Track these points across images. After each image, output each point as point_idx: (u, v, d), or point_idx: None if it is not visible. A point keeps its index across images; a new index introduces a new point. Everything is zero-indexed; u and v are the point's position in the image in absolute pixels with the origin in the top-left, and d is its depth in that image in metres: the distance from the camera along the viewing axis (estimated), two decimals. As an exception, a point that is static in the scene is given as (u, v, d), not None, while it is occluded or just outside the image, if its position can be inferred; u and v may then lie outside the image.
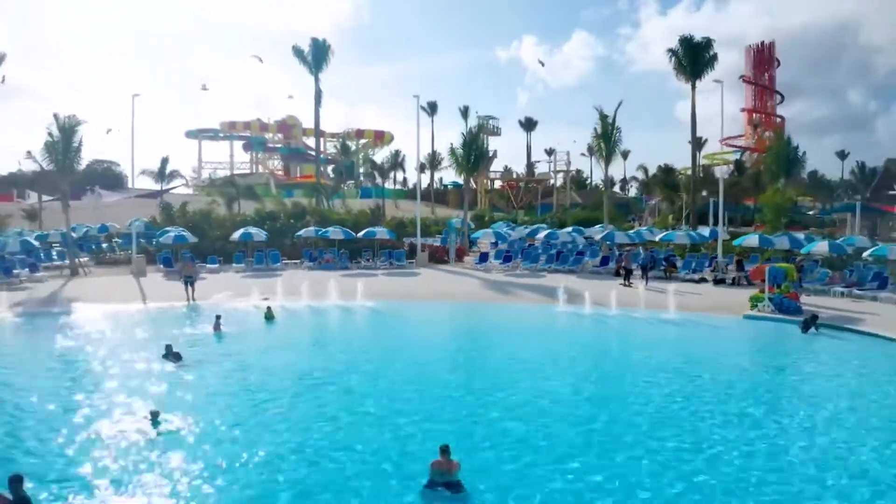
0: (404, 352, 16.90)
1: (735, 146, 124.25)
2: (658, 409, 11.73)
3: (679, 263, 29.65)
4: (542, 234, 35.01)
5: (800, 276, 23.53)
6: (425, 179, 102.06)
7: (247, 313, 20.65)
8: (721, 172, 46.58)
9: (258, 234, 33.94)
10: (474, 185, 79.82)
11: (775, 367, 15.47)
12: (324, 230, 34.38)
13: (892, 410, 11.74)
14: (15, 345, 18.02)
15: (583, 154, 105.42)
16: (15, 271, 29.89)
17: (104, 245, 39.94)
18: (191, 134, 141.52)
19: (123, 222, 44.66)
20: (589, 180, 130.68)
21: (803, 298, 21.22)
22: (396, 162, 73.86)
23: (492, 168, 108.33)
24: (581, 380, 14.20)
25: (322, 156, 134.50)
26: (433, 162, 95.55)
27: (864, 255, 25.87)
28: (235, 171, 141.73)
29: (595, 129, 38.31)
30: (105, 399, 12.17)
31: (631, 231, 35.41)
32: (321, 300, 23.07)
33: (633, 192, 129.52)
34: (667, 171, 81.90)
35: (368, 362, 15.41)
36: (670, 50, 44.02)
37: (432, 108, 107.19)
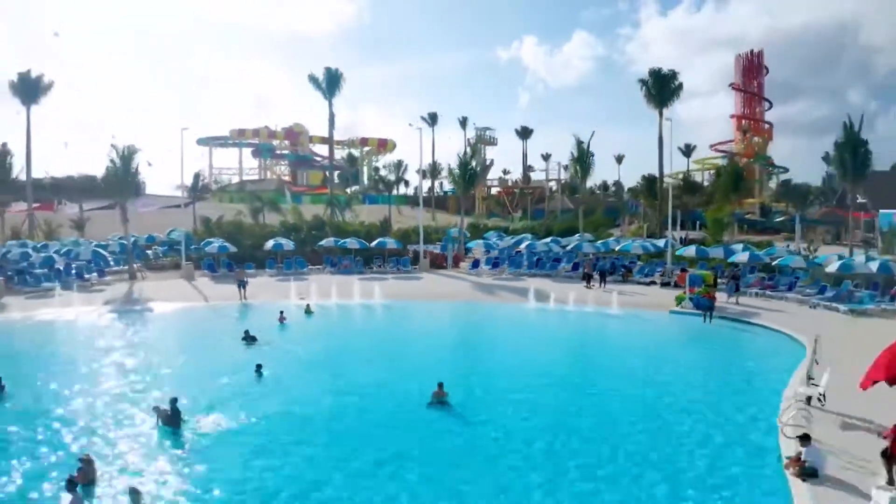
0: (410, 336, 23.48)
1: (724, 151, 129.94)
2: (568, 368, 18.27)
3: (635, 269, 36.01)
4: (524, 245, 41.42)
5: (737, 281, 29.72)
6: (426, 183, 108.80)
7: (291, 309, 26.99)
8: (670, 184, 52.17)
9: (287, 244, 40.38)
10: (472, 191, 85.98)
11: (668, 343, 22.06)
12: (342, 241, 40.82)
13: (731, 376, 18.01)
14: (133, 334, 24.28)
15: (565, 167, 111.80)
16: (86, 276, 36.27)
17: (149, 252, 46.22)
18: (202, 141, 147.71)
19: (154, 231, 50.66)
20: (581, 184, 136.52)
21: (741, 299, 27.68)
22: (399, 174, 79.99)
23: (489, 175, 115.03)
24: (521, 348, 21.07)
25: (329, 162, 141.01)
26: (434, 171, 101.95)
27: (775, 262, 32.18)
28: (245, 177, 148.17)
29: (572, 153, 44.68)
30: (220, 361, 18.69)
31: (598, 242, 41.63)
32: (346, 299, 29.57)
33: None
34: (650, 181, 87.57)
35: (385, 341, 22.01)
36: (641, 80, 50.31)
37: (433, 119, 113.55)
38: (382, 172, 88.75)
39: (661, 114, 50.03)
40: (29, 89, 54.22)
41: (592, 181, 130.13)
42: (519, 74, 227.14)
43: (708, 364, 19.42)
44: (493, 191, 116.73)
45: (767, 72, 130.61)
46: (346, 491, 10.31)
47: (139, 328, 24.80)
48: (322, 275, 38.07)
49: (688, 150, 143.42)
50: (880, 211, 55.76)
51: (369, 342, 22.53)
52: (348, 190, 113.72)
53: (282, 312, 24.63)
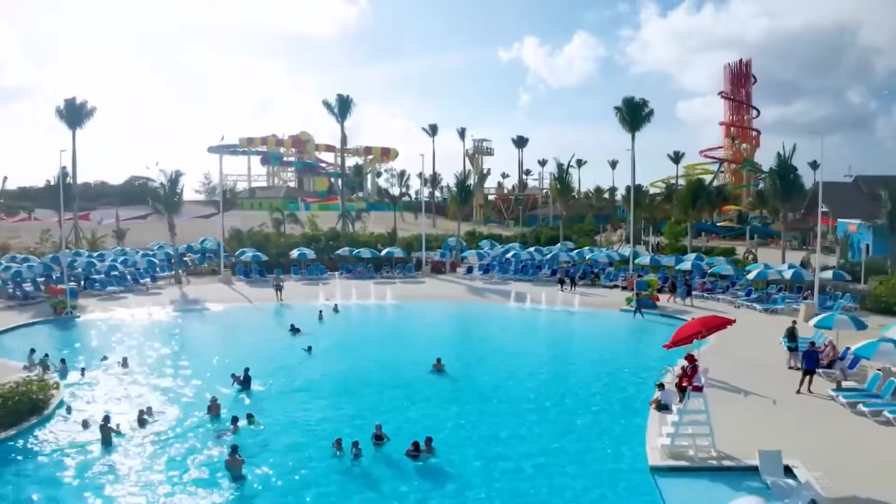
0: (415, 327, 30.58)
1: (713, 157, 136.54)
2: (524, 346, 25.36)
3: (602, 275, 42.94)
4: (511, 253, 48.38)
5: (689, 286, 36.54)
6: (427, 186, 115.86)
7: (321, 308, 33.91)
8: (653, 195, 58.88)
9: (309, 253, 47.37)
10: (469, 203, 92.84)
11: (606, 331, 29.28)
12: (357, 251, 47.83)
13: (640, 352, 24.92)
14: (204, 327, 31.21)
15: (551, 175, 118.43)
16: (142, 280, 43.24)
17: (186, 260, 53.08)
18: (213, 149, 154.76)
19: (183, 239, 57.24)
20: (577, 189, 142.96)
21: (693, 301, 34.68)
22: (402, 185, 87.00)
23: (486, 183, 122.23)
24: (495, 336, 28.29)
25: (333, 169, 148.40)
26: (434, 180, 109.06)
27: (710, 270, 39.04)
28: (253, 184, 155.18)
29: (552, 174, 51.64)
30: (276, 346, 25.76)
31: (574, 251, 48.53)
32: (363, 300, 36.67)
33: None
34: (635, 191, 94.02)
35: (397, 331, 29.11)
36: (616, 107, 57.11)
37: (433, 129, 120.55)
38: (384, 184, 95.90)
39: (633, 137, 56.87)
40: (74, 115, 61.08)
41: (588, 185, 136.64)
42: (520, 75, 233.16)
43: (626, 344, 26.43)
44: (490, 197, 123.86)
45: (755, 80, 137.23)
46: (373, 420, 16.71)
47: (207, 323, 31.88)
48: (340, 280, 45.04)
49: (676, 158, 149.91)
50: (838, 220, 62.39)
51: (385, 332, 29.91)
52: (354, 196, 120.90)
53: (321, 312, 31.79)
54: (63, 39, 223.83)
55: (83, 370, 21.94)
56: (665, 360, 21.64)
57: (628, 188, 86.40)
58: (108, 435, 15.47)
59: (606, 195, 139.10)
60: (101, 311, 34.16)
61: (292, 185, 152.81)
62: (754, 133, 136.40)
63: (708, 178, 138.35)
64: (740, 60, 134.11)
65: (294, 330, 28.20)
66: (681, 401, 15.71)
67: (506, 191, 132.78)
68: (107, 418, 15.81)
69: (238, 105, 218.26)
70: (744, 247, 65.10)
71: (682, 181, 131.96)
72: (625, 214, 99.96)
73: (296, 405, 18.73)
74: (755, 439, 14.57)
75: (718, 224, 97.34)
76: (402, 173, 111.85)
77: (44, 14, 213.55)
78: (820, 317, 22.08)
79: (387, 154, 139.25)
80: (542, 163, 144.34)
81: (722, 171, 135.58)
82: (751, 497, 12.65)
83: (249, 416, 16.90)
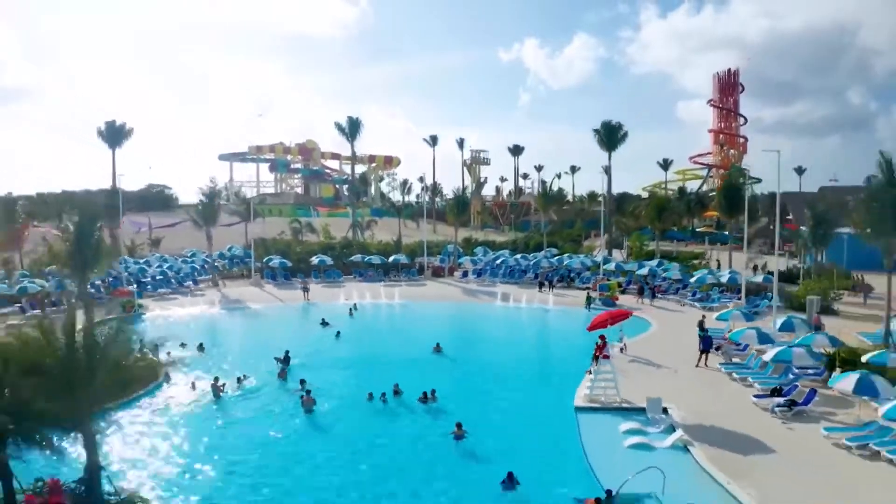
0: (419, 321, 38.19)
1: (702, 163, 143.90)
2: (498, 332, 33.05)
3: (577, 278, 50.50)
4: (500, 259, 56.01)
5: (653, 287, 44.01)
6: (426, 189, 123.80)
7: (340, 307, 41.47)
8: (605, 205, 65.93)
9: (327, 259, 55.00)
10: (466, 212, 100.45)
11: (567, 322, 36.74)
12: (368, 257, 55.48)
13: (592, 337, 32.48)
14: (252, 322, 38.77)
15: (552, 178, 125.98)
16: (185, 284, 50.82)
17: (217, 265, 60.61)
18: (224, 157, 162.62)
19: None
20: (570, 194, 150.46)
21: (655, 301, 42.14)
22: (404, 194, 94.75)
23: (486, 184, 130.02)
24: (480, 328, 35.74)
25: (338, 176, 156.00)
26: (434, 189, 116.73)
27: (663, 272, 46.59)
28: (262, 190, 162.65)
29: (538, 190, 59.07)
30: (310, 335, 33.39)
31: (555, 258, 56.11)
32: (376, 300, 44.34)
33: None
34: (620, 199, 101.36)
35: (404, 324, 36.71)
36: (595, 129, 64.87)
37: (433, 140, 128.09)
38: (385, 188, 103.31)
39: (609, 157, 64.70)
40: (114, 135, 68.86)
41: (585, 187, 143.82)
42: (520, 76, 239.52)
43: (581, 332, 33.52)
44: (487, 204, 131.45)
45: (743, 89, 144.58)
46: (390, 381, 23.97)
47: (250, 318, 39.51)
48: (353, 283, 52.65)
49: (665, 164, 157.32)
50: (801, 227, 69.73)
51: (394, 324, 37.73)
52: (360, 202, 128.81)
53: (351, 309, 39.71)
54: (63, 40, 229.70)
55: (168, 353, 29.43)
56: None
57: (611, 195, 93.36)
58: (217, 392, 23.08)
59: (600, 199, 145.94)
60: (161, 310, 41.71)
61: (299, 190, 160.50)
62: (742, 139, 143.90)
63: (698, 182, 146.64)
64: (728, 69, 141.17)
65: (324, 323, 35.83)
66: (595, 365, 23.39)
67: (503, 195, 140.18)
68: (217, 379, 23.40)
69: (239, 105, 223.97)
70: (716, 251, 72.58)
71: (673, 185, 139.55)
72: (613, 220, 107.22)
73: (332, 374, 26.39)
74: (651, 392, 22.11)
75: (698, 230, 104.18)
76: (405, 182, 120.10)
77: (44, 14, 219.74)
78: (720, 311, 29.71)
79: (389, 162, 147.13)
80: (539, 168, 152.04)
81: (711, 177, 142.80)
82: (634, 422, 20.25)
83: (302, 381, 24.37)
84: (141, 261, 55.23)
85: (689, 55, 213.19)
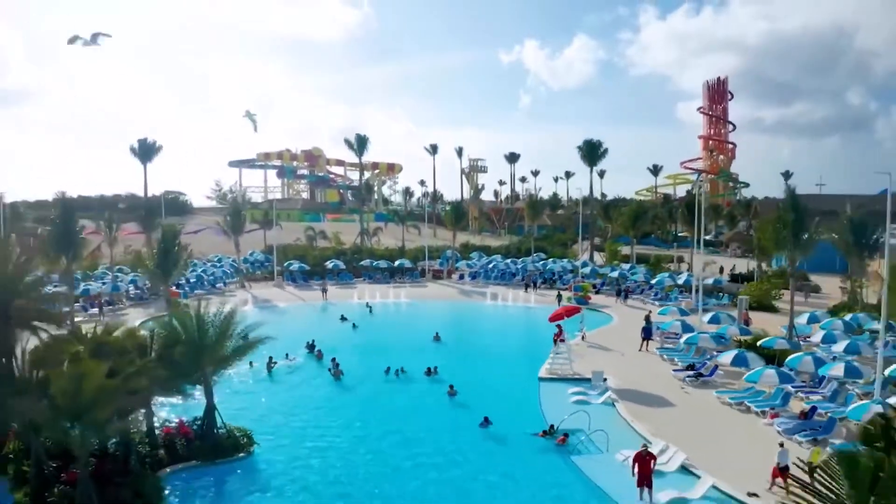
0: (421, 315, 45.76)
1: (692, 168, 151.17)
2: (483, 323, 40.64)
3: (558, 280, 57.97)
4: (492, 264, 63.56)
5: (626, 290, 51.44)
6: (425, 185, 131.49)
7: (354, 306, 48.94)
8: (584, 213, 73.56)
9: (340, 263, 62.55)
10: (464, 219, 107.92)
11: (539, 318, 44.16)
12: (376, 262, 63.04)
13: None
14: (282, 317, 46.25)
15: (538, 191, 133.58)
16: (218, 285, 58.31)
17: (242, 269, 67.99)
18: (233, 164, 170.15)
19: (228, 252, 72.09)
20: (565, 197, 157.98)
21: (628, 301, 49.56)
22: (406, 202, 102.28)
23: (485, 185, 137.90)
24: (471, 321, 43.27)
25: (343, 182, 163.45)
26: (434, 196, 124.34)
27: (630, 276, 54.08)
28: (269, 195, 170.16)
29: (525, 202, 66.62)
30: (331, 328, 40.98)
31: (540, 262, 63.62)
32: (385, 299, 51.91)
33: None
34: (606, 206, 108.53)
35: (410, 318, 44.34)
36: (578, 147, 72.38)
37: (434, 149, 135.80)
38: (387, 191, 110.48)
39: (591, 170, 72.27)
40: (146, 151, 76.25)
41: (580, 191, 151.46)
42: (520, 77, 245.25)
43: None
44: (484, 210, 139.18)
45: (732, 97, 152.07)
46: (400, 362, 31.61)
47: (279, 315, 46.98)
48: (364, 284, 60.17)
49: (655, 170, 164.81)
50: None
51: (400, 319, 45.16)
52: (365, 207, 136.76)
53: (371, 308, 47.25)
54: (63, 40, 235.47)
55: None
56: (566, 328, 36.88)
57: (594, 203, 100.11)
58: (269, 367, 30.64)
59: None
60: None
61: (305, 195, 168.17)
62: (730, 146, 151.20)
63: (688, 186, 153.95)
64: (718, 78, 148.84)
65: (343, 318, 43.34)
66: (555, 347, 30.98)
67: (502, 198, 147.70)
68: (270, 358, 30.90)
69: (240, 106, 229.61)
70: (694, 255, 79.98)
71: (668, 189, 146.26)
72: (602, 224, 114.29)
73: (353, 356, 33.83)
74: (597, 367, 29.57)
75: (680, 234, 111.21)
76: (407, 189, 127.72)
77: (44, 15, 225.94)
78: (661, 307, 37.27)
79: (392, 169, 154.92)
80: (536, 173, 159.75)
81: (700, 181, 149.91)
82: (579, 388, 27.76)
83: (333, 360, 31.89)
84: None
85: (689, 57, 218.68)
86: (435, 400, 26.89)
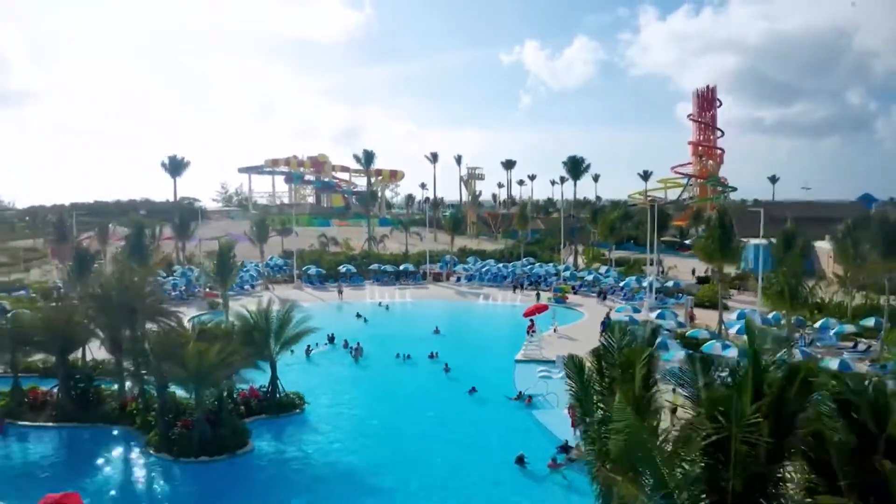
0: (423, 312, 54.42)
1: (682, 173, 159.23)
2: (471, 317, 49.37)
3: (542, 282, 66.51)
4: (486, 268, 72.15)
5: (603, 290, 59.94)
6: (425, 190, 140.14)
7: (367, 305, 57.53)
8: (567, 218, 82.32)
9: (352, 268, 71.16)
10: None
11: (515, 313, 52.82)
12: (383, 266, 71.65)
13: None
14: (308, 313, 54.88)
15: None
16: (246, 287, 66.87)
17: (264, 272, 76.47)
18: (243, 170, 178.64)
19: (248, 256, 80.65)
20: (560, 201, 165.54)
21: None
22: (409, 208, 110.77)
23: (485, 186, 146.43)
24: (465, 317, 52.02)
25: (348, 187, 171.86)
26: (435, 202, 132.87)
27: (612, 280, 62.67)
28: (275, 200, 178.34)
29: (515, 212, 75.17)
30: (348, 322, 49.68)
31: (528, 266, 72.16)
32: (392, 298, 60.55)
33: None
34: (595, 212, 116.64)
35: (414, 314, 53.09)
36: (563, 162, 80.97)
37: (434, 157, 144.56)
38: (389, 194, 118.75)
39: (575, 184, 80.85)
40: (175, 167, 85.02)
41: (576, 195, 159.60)
42: (520, 77, 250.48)
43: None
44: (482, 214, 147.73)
45: (720, 104, 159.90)
46: (406, 349, 40.42)
47: (303, 313, 55.46)
48: (373, 286, 68.78)
49: (645, 175, 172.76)
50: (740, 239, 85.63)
51: (405, 315, 53.73)
52: (369, 213, 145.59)
53: (387, 306, 55.96)
54: (64, 42, 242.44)
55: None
56: (540, 321, 45.52)
57: (590, 211, 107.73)
58: (307, 352, 39.27)
59: (583, 210, 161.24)
60: (238, 307, 57.78)
61: (310, 199, 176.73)
62: (719, 151, 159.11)
63: (678, 190, 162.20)
64: (707, 86, 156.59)
65: (358, 316, 51.93)
66: (528, 336, 39.59)
67: (500, 200, 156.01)
68: (308, 346, 39.45)
69: (241, 107, 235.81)
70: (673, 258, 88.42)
71: (660, 193, 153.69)
72: (589, 229, 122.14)
73: (368, 345, 42.30)
74: (562, 353, 38.06)
75: (663, 239, 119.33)
76: (409, 196, 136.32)
77: (46, 15, 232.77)
78: (618, 305, 45.88)
79: (395, 175, 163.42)
80: (532, 177, 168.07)
81: (690, 185, 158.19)
82: (545, 367, 36.29)
83: (357, 343, 40.45)
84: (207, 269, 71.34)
85: (689, 57, 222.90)
86: (433, 375, 35.59)
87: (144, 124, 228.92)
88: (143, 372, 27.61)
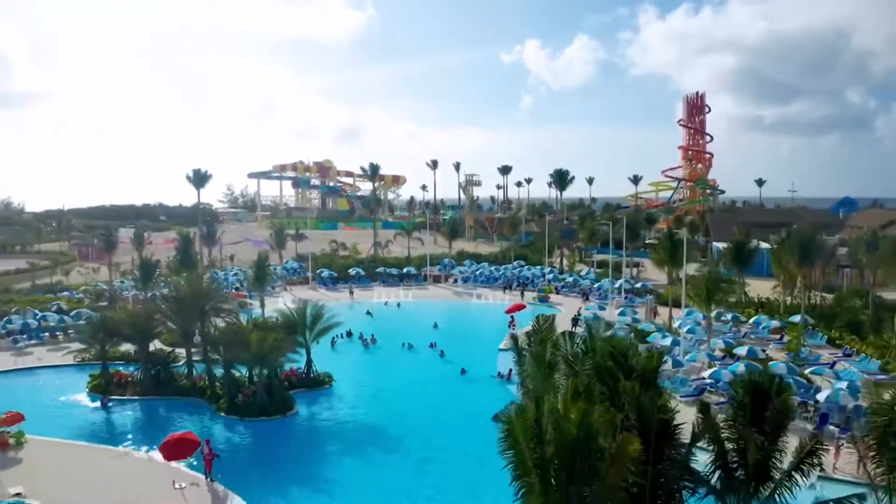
0: (424, 310, 63.40)
1: (673, 177, 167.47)
2: (463, 313, 58.35)
3: (529, 283, 75.21)
4: (480, 270, 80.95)
5: (584, 290, 68.62)
6: (427, 192, 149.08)
7: (375, 303, 66.35)
8: (551, 220, 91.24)
9: (360, 270, 79.98)
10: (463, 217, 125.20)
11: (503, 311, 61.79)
12: (388, 269, 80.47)
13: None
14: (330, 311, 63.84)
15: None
16: (268, 288, 75.62)
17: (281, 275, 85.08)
18: (252, 175, 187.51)
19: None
20: (555, 203, 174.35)
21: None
22: (411, 211, 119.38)
23: (485, 185, 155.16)
24: (459, 313, 61.02)
25: (352, 191, 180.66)
26: (436, 207, 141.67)
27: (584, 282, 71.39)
28: (281, 204, 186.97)
29: (510, 216, 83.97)
30: (359, 318, 58.65)
31: (517, 269, 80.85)
32: (397, 298, 69.45)
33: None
34: (584, 216, 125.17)
35: (416, 312, 62.15)
36: (550, 174, 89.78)
37: (434, 164, 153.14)
38: (391, 195, 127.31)
39: (560, 194, 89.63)
40: (199, 180, 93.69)
41: (576, 193, 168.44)
42: (521, 77, 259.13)
43: (519, 314, 58.73)
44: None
45: (709, 110, 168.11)
46: (409, 340, 49.30)
47: (328, 309, 64.49)
48: (379, 287, 77.67)
49: (636, 180, 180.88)
50: (713, 243, 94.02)
51: (410, 312, 62.63)
52: (372, 216, 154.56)
53: (398, 304, 64.82)
54: (64, 42, 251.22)
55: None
56: (523, 317, 54.31)
57: (579, 216, 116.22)
58: (333, 343, 48.18)
59: (577, 212, 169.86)
60: (269, 305, 66.63)
61: (315, 202, 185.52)
62: (708, 155, 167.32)
63: (669, 193, 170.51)
64: (696, 92, 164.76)
65: (368, 313, 60.78)
66: (510, 330, 48.43)
67: (499, 202, 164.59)
68: (333, 338, 48.22)
69: (242, 106, 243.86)
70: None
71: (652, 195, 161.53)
72: (578, 232, 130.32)
73: (377, 337, 51.15)
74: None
75: (648, 241, 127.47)
76: (411, 200, 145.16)
77: (46, 16, 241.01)
78: (587, 304, 54.72)
79: (396, 180, 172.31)
80: (529, 181, 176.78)
81: (680, 188, 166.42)
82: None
83: (372, 335, 49.34)
84: (230, 272, 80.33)
85: (688, 57, 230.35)
86: (431, 361, 44.58)
87: (144, 124, 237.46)
88: (213, 356, 36.49)
